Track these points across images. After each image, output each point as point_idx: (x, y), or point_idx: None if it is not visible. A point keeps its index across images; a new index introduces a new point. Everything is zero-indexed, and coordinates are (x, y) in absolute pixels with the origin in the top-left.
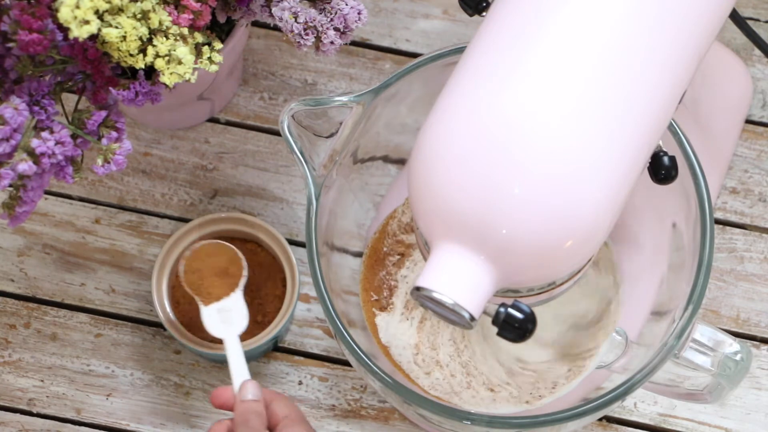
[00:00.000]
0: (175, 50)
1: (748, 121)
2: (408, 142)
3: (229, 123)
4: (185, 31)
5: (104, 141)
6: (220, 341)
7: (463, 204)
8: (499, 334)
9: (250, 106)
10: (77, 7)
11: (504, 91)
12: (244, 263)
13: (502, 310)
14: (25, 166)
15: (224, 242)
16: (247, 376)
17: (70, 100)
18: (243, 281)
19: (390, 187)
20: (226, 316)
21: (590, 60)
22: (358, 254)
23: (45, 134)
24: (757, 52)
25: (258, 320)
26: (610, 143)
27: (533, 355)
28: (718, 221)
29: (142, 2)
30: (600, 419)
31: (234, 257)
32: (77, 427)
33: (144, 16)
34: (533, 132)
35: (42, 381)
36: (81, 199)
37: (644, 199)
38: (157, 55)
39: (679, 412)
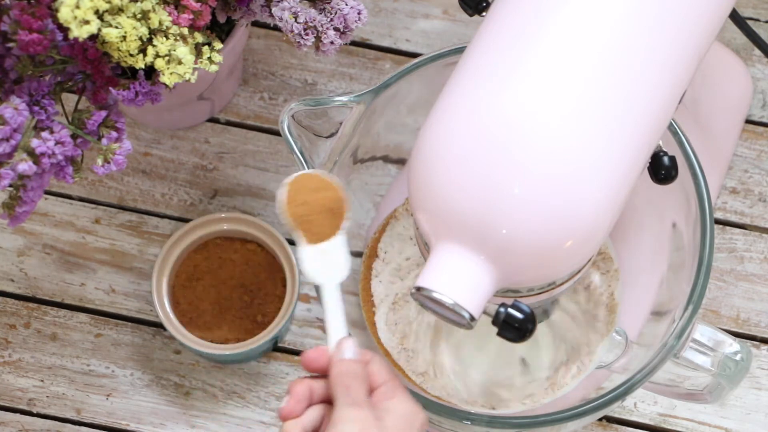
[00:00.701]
0: (175, 50)
1: (748, 121)
2: (408, 142)
3: (229, 123)
4: (185, 31)
5: (104, 141)
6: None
7: (463, 204)
8: (499, 334)
9: (250, 106)
10: (77, 7)
11: (504, 91)
12: (349, 204)
13: (502, 310)
14: (25, 166)
15: (329, 176)
16: (344, 333)
17: (70, 100)
18: (347, 224)
19: (390, 187)
20: (327, 261)
21: (590, 60)
22: (358, 254)
23: (45, 134)
24: (757, 52)
25: (258, 320)
26: (610, 143)
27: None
28: (718, 221)
29: (142, 2)
30: (600, 419)
31: (339, 196)
32: (77, 427)
33: (144, 16)
34: (533, 132)
35: (42, 381)
36: (81, 199)
37: (644, 199)
38: (157, 55)
39: (679, 412)
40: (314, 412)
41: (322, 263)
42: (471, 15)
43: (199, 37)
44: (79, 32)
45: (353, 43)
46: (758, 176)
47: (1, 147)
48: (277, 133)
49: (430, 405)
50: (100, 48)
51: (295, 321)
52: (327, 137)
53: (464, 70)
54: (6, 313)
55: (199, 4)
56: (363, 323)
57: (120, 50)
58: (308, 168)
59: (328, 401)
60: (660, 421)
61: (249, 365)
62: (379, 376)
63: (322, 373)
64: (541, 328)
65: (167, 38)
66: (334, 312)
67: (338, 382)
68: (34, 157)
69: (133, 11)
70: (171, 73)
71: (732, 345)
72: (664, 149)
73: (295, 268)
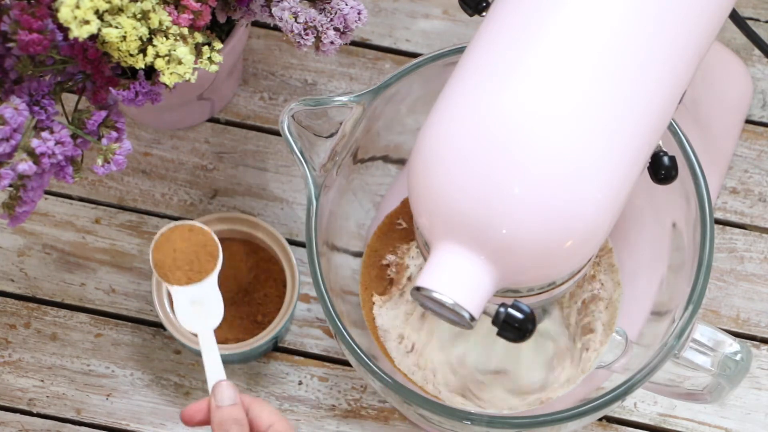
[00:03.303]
0: (175, 50)
1: (748, 121)
2: (408, 142)
3: (229, 123)
4: (185, 31)
5: (104, 141)
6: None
7: (463, 204)
8: (499, 334)
9: (250, 106)
10: (77, 7)
11: (504, 90)
12: (219, 250)
13: (502, 310)
14: (25, 166)
15: (198, 225)
16: (222, 377)
17: (70, 100)
18: (217, 268)
19: (390, 187)
20: (199, 309)
21: (590, 60)
22: (358, 254)
23: (45, 134)
24: (757, 52)
25: (258, 320)
26: (611, 143)
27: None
28: (718, 221)
29: (142, 2)
30: (600, 419)
31: (209, 241)
32: (77, 427)
33: (144, 16)
34: (533, 132)
35: (42, 381)
36: (81, 199)
37: (644, 199)
38: (157, 55)
39: (679, 412)
40: None
41: (194, 312)
42: (471, 15)
43: (199, 37)
44: (79, 32)
45: (353, 43)
46: (758, 176)
47: (1, 147)
48: (277, 133)
49: (431, 405)
50: (100, 48)
51: (295, 321)
52: (327, 137)
53: (464, 70)
54: (6, 313)
55: (199, 4)
56: (363, 323)
57: (120, 50)
58: (308, 168)
59: None
60: (660, 421)
61: (249, 365)
62: (263, 422)
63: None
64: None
65: (167, 38)
66: (212, 358)
67: (218, 430)
68: (34, 157)
69: (133, 11)
70: (171, 73)
71: (732, 345)
72: (664, 149)
73: (295, 269)
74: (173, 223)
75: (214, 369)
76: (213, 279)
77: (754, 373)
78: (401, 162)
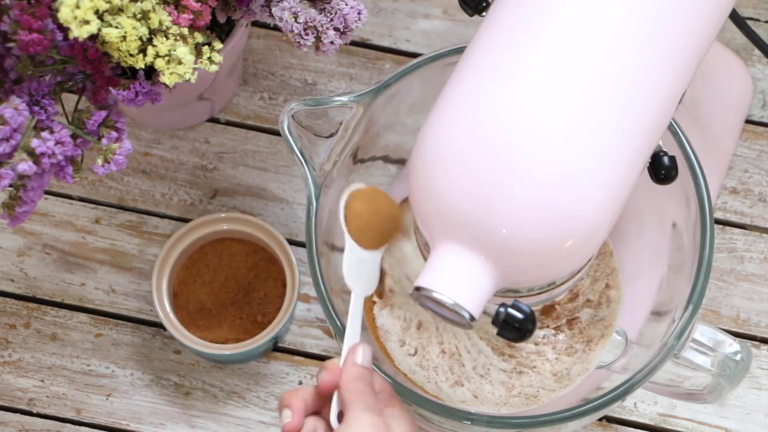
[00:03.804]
0: (175, 50)
1: (748, 121)
2: (408, 142)
3: (229, 123)
4: (185, 31)
5: (104, 141)
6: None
7: (463, 204)
8: (499, 334)
9: (250, 106)
10: (77, 7)
11: (504, 90)
12: (402, 227)
13: (502, 310)
14: (25, 166)
15: (389, 197)
16: (359, 340)
17: (70, 100)
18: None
19: (390, 187)
20: (363, 271)
21: (590, 60)
22: None
23: (45, 134)
24: (757, 52)
25: (258, 320)
26: (611, 143)
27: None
28: (718, 221)
29: (142, 2)
30: (600, 419)
31: (395, 217)
32: (77, 427)
33: (144, 16)
34: (533, 132)
35: (42, 381)
36: (81, 199)
37: (644, 199)
38: (157, 55)
39: (679, 412)
40: (311, 423)
41: (359, 271)
42: (471, 15)
43: (199, 37)
44: (79, 32)
45: (353, 43)
46: (758, 176)
47: (1, 147)
48: (277, 133)
49: (431, 405)
50: (100, 48)
51: (295, 321)
52: (327, 137)
53: (464, 70)
54: (6, 313)
55: (199, 4)
56: (363, 323)
57: (120, 50)
58: (308, 168)
59: (318, 412)
60: (660, 421)
61: (249, 365)
62: (377, 384)
63: (333, 386)
64: None
65: (167, 38)
66: (354, 320)
67: (352, 386)
68: (34, 157)
69: (133, 11)
70: (171, 73)
71: (732, 345)
72: (664, 149)
73: (295, 268)
74: (369, 186)
75: (354, 332)
76: (382, 252)
77: (754, 373)
78: (401, 162)
